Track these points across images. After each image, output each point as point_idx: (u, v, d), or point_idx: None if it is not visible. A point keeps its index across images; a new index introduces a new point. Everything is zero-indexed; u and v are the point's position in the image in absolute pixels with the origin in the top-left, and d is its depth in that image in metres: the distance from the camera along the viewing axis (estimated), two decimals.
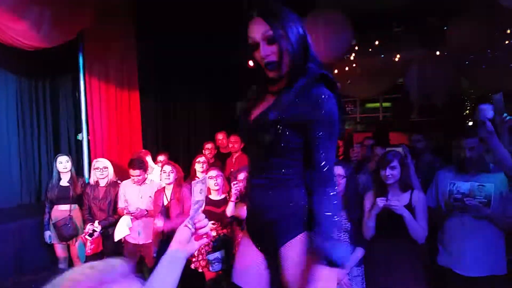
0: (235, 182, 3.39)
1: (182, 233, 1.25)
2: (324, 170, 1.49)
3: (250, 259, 1.68)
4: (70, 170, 4.21)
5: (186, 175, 4.45)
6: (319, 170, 1.49)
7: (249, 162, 1.70)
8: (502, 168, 2.58)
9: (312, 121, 1.47)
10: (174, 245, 1.22)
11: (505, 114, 2.46)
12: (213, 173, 3.63)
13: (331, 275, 1.43)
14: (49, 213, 4.15)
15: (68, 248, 4.21)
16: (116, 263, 0.75)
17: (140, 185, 4.03)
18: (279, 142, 1.50)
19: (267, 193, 1.57)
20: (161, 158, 4.86)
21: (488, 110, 3.19)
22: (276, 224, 1.56)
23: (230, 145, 5.27)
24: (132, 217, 3.93)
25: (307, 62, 1.51)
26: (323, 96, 1.47)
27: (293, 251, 1.53)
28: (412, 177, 2.92)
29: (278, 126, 1.48)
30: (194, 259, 3.65)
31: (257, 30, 1.44)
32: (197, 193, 1.33)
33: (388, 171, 2.76)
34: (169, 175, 3.79)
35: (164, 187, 3.90)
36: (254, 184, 1.62)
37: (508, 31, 7.36)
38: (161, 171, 3.92)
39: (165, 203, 3.82)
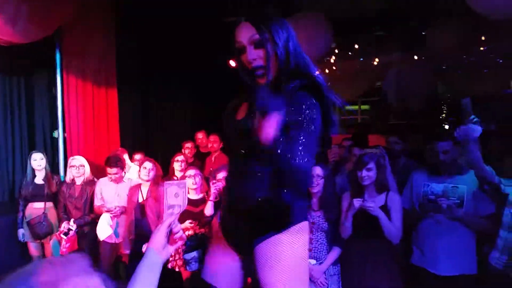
0: (214, 181, 3.38)
1: (158, 239, 1.25)
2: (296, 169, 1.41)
3: (224, 259, 1.69)
4: (45, 168, 4.13)
5: (165, 174, 4.42)
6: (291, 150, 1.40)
7: (232, 164, 1.70)
8: (474, 168, 2.64)
9: (294, 124, 1.41)
10: (150, 250, 1.22)
11: (472, 116, 2.53)
12: (191, 172, 3.61)
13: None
14: (23, 211, 4.06)
15: (42, 246, 4.12)
16: (75, 258, 0.76)
17: (117, 183, 3.99)
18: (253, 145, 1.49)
19: (259, 210, 1.57)
20: (137, 156, 4.81)
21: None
22: (255, 224, 1.57)
23: (210, 145, 5.26)
24: (111, 215, 3.88)
25: (294, 66, 1.49)
26: (304, 105, 1.43)
27: (269, 250, 1.53)
28: (389, 179, 2.97)
29: None
30: (171, 259, 3.63)
31: (244, 34, 1.45)
32: (171, 197, 1.31)
33: (365, 173, 2.80)
34: (148, 173, 3.76)
35: (140, 184, 3.86)
36: (240, 201, 1.60)
37: (483, 38, 7.57)
38: (140, 167, 3.88)
39: (140, 200, 3.78)
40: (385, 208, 2.78)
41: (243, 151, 1.52)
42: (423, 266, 2.88)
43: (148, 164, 3.80)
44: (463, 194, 2.75)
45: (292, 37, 1.50)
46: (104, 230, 3.91)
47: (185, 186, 1.38)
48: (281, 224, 1.54)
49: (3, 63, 4.59)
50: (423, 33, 7.05)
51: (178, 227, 1.30)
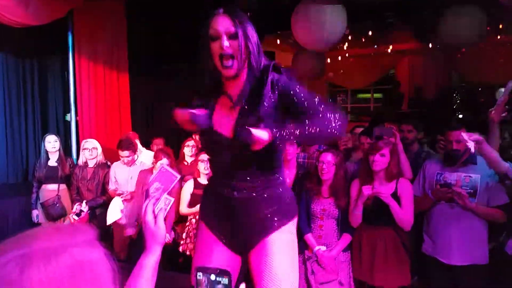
0: None
1: (153, 233, 1.23)
2: (322, 106, 1.55)
3: (224, 259, 1.72)
4: (59, 150, 4.18)
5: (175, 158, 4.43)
6: (317, 109, 1.54)
7: (223, 171, 1.68)
8: (492, 167, 2.62)
9: (293, 90, 1.57)
10: (152, 249, 1.21)
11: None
12: (204, 157, 3.61)
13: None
14: (37, 192, 4.12)
15: None
16: (83, 229, 0.75)
17: (129, 166, 4.01)
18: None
19: (259, 195, 1.65)
20: (158, 142, 4.83)
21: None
22: (266, 220, 1.66)
23: None
24: (122, 199, 3.92)
25: (262, 61, 1.63)
26: (281, 76, 1.61)
27: (281, 238, 1.66)
28: (404, 164, 2.96)
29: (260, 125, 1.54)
30: (182, 242, 3.67)
31: (222, 24, 1.53)
32: (153, 187, 1.33)
33: (378, 157, 2.78)
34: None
35: (152, 168, 3.87)
36: (237, 187, 1.64)
37: (501, 26, 7.41)
38: (156, 160, 3.83)
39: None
40: (395, 196, 2.76)
41: (247, 148, 1.47)
42: (433, 255, 2.87)
43: (164, 160, 3.73)
44: (476, 184, 2.72)
45: (258, 38, 1.61)
46: (114, 214, 3.94)
47: (172, 184, 1.39)
48: (293, 212, 1.73)
49: (17, 45, 4.62)
50: (438, 20, 6.92)
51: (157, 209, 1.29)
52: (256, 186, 1.63)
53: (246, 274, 1.75)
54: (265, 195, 1.65)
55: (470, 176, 2.76)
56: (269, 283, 1.60)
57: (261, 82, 1.60)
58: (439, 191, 2.80)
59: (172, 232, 3.73)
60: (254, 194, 1.64)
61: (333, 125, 1.49)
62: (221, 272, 1.05)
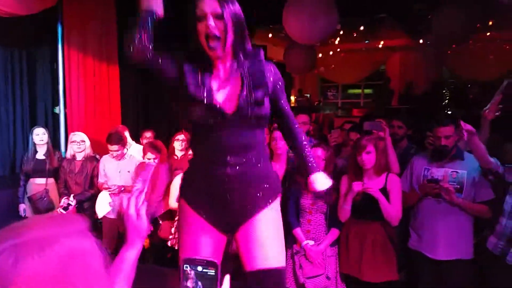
0: None
1: (135, 227, 1.22)
2: (291, 112, 1.83)
3: (208, 238, 1.72)
4: (47, 143, 4.12)
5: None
6: (289, 114, 1.81)
7: (216, 147, 1.65)
8: (479, 161, 2.66)
9: (281, 88, 1.76)
10: (133, 243, 1.20)
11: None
12: (180, 136, 3.64)
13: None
14: (24, 186, 4.07)
15: None
16: (75, 219, 0.75)
17: (118, 160, 3.99)
18: (265, 116, 1.65)
19: (251, 170, 1.66)
20: (147, 134, 4.79)
21: None
22: (256, 198, 1.69)
23: None
24: (109, 193, 3.90)
25: (248, 43, 1.68)
26: (274, 66, 1.76)
27: (269, 215, 1.71)
28: (391, 160, 2.98)
29: (265, 99, 1.65)
30: (171, 237, 3.66)
31: (209, 5, 1.55)
32: (137, 182, 1.32)
33: (364, 156, 2.79)
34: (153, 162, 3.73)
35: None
36: (231, 163, 1.63)
37: (491, 23, 7.47)
38: (144, 155, 3.82)
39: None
40: (384, 191, 2.78)
41: (240, 122, 1.60)
42: (419, 250, 2.90)
43: (150, 155, 3.72)
44: (463, 179, 2.76)
45: (243, 18, 1.63)
46: (103, 207, 3.93)
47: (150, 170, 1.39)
48: (276, 189, 1.77)
49: (5, 36, 4.54)
50: (429, 16, 6.95)
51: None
52: (249, 161, 1.64)
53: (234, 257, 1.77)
54: (256, 171, 1.67)
55: (457, 172, 2.80)
56: (259, 260, 1.63)
57: (257, 61, 1.67)
58: (426, 186, 2.83)
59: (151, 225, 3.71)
60: (247, 169, 1.64)
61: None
62: (208, 263, 1.05)
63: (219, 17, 1.54)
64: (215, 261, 1.05)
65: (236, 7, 1.59)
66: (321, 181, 1.77)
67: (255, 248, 1.65)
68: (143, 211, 1.23)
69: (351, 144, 3.47)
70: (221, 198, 1.67)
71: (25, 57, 4.85)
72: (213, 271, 1.04)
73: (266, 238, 1.66)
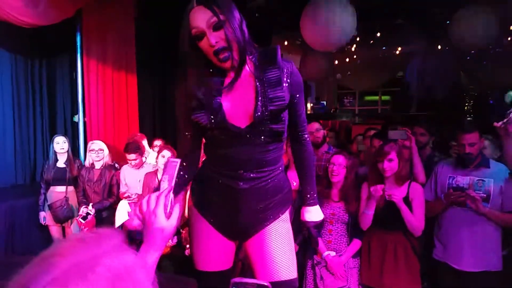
0: None
1: (163, 228, 1.14)
2: (306, 126, 1.73)
3: (218, 245, 1.70)
4: (67, 151, 4.16)
5: None
6: (304, 128, 1.72)
7: (229, 161, 1.59)
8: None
9: (298, 91, 1.60)
10: (156, 245, 1.13)
11: None
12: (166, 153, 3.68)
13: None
14: (45, 194, 4.10)
15: (63, 230, 4.17)
16: (109, 234, 0.70)
17: (138, 168, 4.00)
18: (281, 132, 1.56)
19: (265, 185, 1.61)
20: (157, 143, 4.82)
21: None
22: (269, 210, 1.65)
23: None
24: (128, 202, 3.91)
25: (250, 45, 1.54)
26: (294, 67, 1.59)
27: (281, 226, 1.67)
28: (418, 169, 2.91)
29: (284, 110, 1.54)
30: (188, 246, 3.63)
31: (202, 18, 1.40)
32: (163, 181, 1.25)
33: (386, 164, 2.72)
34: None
35: (156, 170, 3.86)
36: (244, 178, 1.58)
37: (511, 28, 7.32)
38: (158, 155, 3.87)
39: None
40: (407, 200, 2.70)
41: (254, 138, 1.53)
42: (445, 260, 2.82)
43: (166, 153, 3.78)
44: (489, 188, 2.68)
45: (243, 19, 1.50)
46: (120, 217, 3.93)
47: (174, 174, 1.31)
48: (288, 201, 1.73)
49: (24, 46, 4.62)
50: (448, 21, 6.86)
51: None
52: (263, 177, 1.59)
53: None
54: (269, 186, 1.62)
55: (483, 180, 2.72)
56: (271, 273, 1.60)
57: (272, 65, 1.52)
58: (452, 195, 2.75)
59: (175, 237, 3.70)
60: (260, 185, 1.60)
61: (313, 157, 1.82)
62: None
63: (217, 27, 1.40)
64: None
65: (231, 7, 1.45)
66: (315, 214, 1.81)
67: (266, 260, 1.63)
68: (175, 212, 1.15)
69: (374, 151, 3.41)
70: (232, 209, 1.64)
71: (45, 66, 4.94)
72: None
73: (278, 250, 1.64)
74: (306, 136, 1.74)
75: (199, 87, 1.49)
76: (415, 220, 2.66)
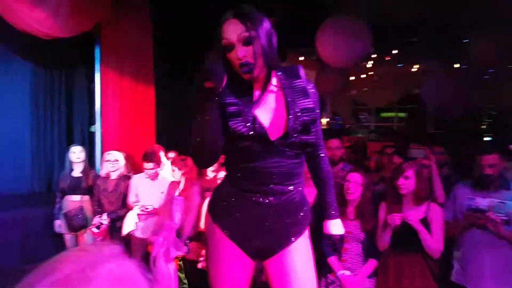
0: None
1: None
2: (323, 142, 1.76)
3: (238, 264, 1.66)
4: (83, 161, 4.20)
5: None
6: (321, 143, 1.74)
7: (258, 175, 1.56)
8: None
9: (318, 107, 1.64)
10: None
11: None
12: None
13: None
14: (60, 202, 4.13)
15: (77, 238, 4.19)
16: (108, 245, 0.74)
17: (152, 179, 4.00)
18: (312, 143, 1.60)
19: (292, 199, 1.60)
20: (171, 155, 4.82)
21: None
22: (293, 226, 1.64)
23: None
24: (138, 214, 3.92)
25: (277, 60, 1.57)
26: (313, 84, 1.68)
27: (303, 245, 1.66)
28: (437, 189, 2.86)
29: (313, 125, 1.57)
30: (201, 259, 3.61)
31: (233, 31, 1.45)
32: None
33: (402, 181, 2.69)
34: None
35: (180, 181, 3.87)
36: (273, 193, 1.56)
37: None
38: (172, 167, 3.88)
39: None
40: (425, 221, 2.65)
41: (286, 149, 1.53)
42: (463, 284, 2.75)
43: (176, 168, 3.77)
44: (511, 210, 2.62)
45: (273, 33, 1.54)
46: (128, 226, 3.93)
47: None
48: (309, 217, 1.71)
49: (44, 57, 4.73)
50: (465, 40, 6.82)
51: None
52: (291, 191, 1.59)
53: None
54: (295, 201, 1.61)
55: (503, 202, 2.66)
56: None
57: (298, 80, 1.60)
58: (471, 216, 2.71)
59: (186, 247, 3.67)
60: (288, 199, 1.59)
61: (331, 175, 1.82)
62: None
63: (247, 42, 1.44)
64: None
65: (264, 24, 1.48)
66: (339, 227, 1.82)
67: (289, 281, 1.60)
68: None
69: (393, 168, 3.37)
70: (256, 226, 1.61)
71: (64, 77, 5.04)
72: None
73: (300, 270, 1.62)
74: (323, 150, 1.77)
75: (230, 96, 1.53)
76: (433, 242, 2.61)
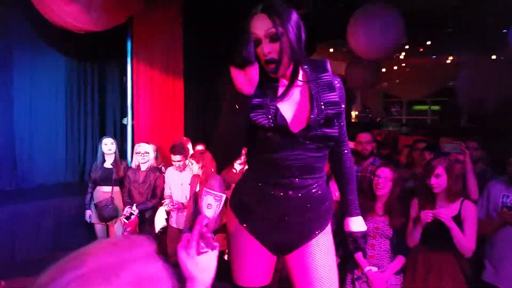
0: None
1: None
2: (346, 138, 1.74)
3: (259, 258, 1.66)
4: (115, 153, 4.29)
5: (227, 165, 4.41)
6: (345, 139, 1.72)
7: (279, 167, 1.55)
8: None
9: (344, 102, 1.63)
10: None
11: None
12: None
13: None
14: (91, 193, 4.24)
15: (107, 228, 4.31)
16: (141, 242, 0.71)
17: (181, 171, 4.06)
18: (335, 137, 1.58)
19: (313, 193, 1.59)
20: (199, 147, 4.87)
21: None
22: (314, 221, 1.63)
23: None
24: (166, 209, 3.99)
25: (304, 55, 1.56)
26: (340, 79, 1.66)
27: (325, 240, 1.66)
28: (471, 185, 2.77)
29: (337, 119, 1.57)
30: (227, 250, 3.64)
31: (261, 27, 1.44)
32: (204, 206, 1.25)
33: (433, 180, 2.60)
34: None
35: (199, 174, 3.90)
36: (294, 186, 1.55)
37: None
38: (190, 160, 3.91)
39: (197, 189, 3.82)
40: (458, 218, 2.57)
41: (307, 142, 1.52)
42: (496, 284, 2.66)
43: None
44: None
45: (302, 27, 1.51)
46: (159, 222, 4.01)
47: (221, 200, 1.33)
48: (331, 213, 1.71)
49: (77, 51, 4.85)
50: (504, 31, 6.54)
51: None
52: (312, 184, 1.58)
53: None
54: (316, 195, 1.60)
55: None
56: (315, 285, 1.59)
57: (324, 74, 1.59)
58: (506, 214, 2.61)
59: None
60: (309, 193, 1.58)
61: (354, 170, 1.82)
62: None
63: (274, 38, 1.43)
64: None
65: (293, 21, 1.46)
66: (360, 224, 1.80)
67: (310, 276, 1.61)
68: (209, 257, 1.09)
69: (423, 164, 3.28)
70: (277, 220, 1.60)
71: (97, 70, 5.17)
72: None
73: (322, 265, 1.62)
74: (346, 147, 1.74)
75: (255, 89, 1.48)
76: (466, 240, 2.52)
